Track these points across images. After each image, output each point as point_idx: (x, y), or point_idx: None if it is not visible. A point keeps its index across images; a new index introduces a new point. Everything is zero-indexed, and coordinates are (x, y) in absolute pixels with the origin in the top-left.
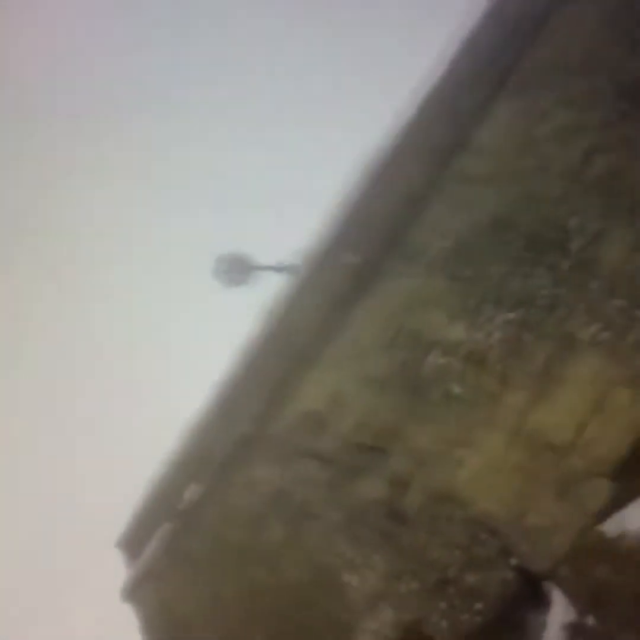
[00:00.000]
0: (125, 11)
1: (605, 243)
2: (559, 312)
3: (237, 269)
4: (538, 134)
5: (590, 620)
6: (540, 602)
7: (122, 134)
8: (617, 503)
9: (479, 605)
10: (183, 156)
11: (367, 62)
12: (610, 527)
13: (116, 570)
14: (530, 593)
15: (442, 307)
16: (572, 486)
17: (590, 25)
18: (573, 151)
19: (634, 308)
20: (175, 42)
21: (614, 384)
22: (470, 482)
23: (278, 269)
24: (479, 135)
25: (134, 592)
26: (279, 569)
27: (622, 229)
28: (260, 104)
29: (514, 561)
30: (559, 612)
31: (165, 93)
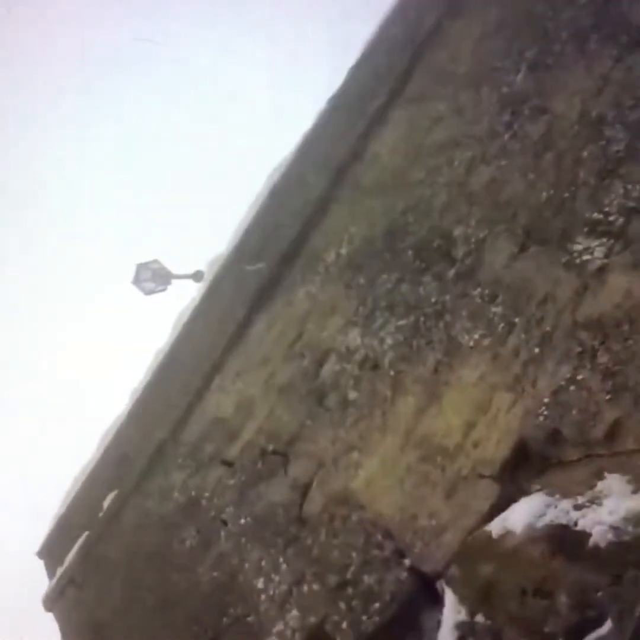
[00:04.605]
0: None
1: (487, 251)
2: (446, 318)
3: (157, 278)
4: (427, 144)
5: (479, 618)
6: (434, 601)
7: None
8: (501, 504)
9: (376, 606)
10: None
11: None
12: (495, 527)
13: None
14: (424, 593)
15: (338, 315)
16: (460, 487)
17: (476, 38)
18: (458, 161)
19: (513, 314)
20: None
21: (497, 388)
22: (366, 485)
23: (196, 277)
24: (374, 145)
25: (56, 600)
26: (193, 574)
27: (502, 238)
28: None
29: (407, 562)
30: (451, 611)
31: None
